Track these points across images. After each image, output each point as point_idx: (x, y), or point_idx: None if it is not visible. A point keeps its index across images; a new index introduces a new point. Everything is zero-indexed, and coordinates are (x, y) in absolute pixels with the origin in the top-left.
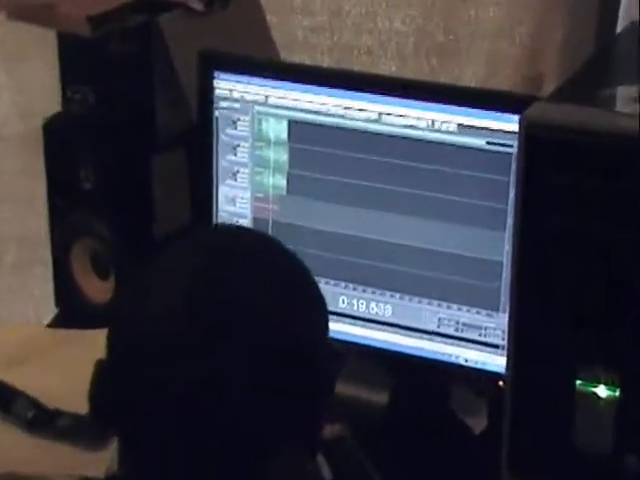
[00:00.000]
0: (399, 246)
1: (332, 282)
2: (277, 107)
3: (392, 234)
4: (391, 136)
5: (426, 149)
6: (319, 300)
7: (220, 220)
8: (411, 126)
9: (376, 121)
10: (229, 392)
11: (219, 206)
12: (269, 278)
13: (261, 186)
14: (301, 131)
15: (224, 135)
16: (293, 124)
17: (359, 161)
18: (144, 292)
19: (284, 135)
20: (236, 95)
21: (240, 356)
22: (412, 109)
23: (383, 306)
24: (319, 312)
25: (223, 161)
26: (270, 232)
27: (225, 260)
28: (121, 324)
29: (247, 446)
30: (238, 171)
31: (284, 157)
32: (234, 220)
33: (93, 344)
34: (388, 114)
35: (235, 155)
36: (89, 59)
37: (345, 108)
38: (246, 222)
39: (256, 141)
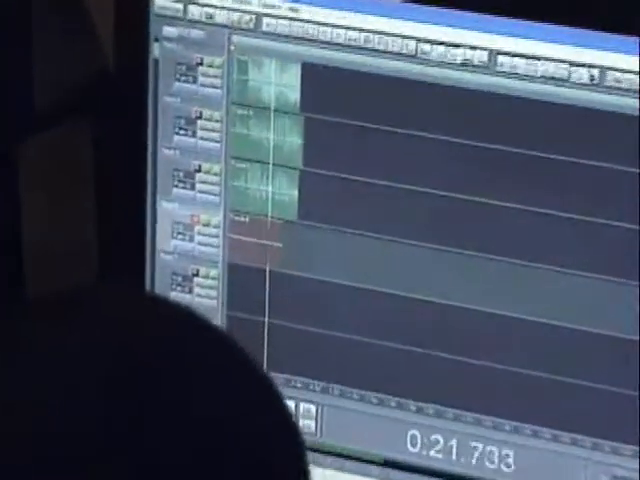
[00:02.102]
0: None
1: (393, 402)
2: (280, 37)
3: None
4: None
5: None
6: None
7: (160, 272)
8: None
9: (483, 67)
10: None
11: (157, 243)
12: (226, 394)
13: (246, 201)
14: (329, 87)
15: (169, 97)
16: (312, 71)
17: (437, 153)
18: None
19: (294, 95)
20: (195, 13)
21: None
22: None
23: (498, 451)
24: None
25: (165, 149)
26: (267, 299)
27: (146, 368)
28: None
29: None
30: (198, 169)
31: (293, 142)
32: (188, 270)
33: None
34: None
35: (191, 136)
36: None
37: (425, 42)
38: (213, 279)
39: (236, 107)
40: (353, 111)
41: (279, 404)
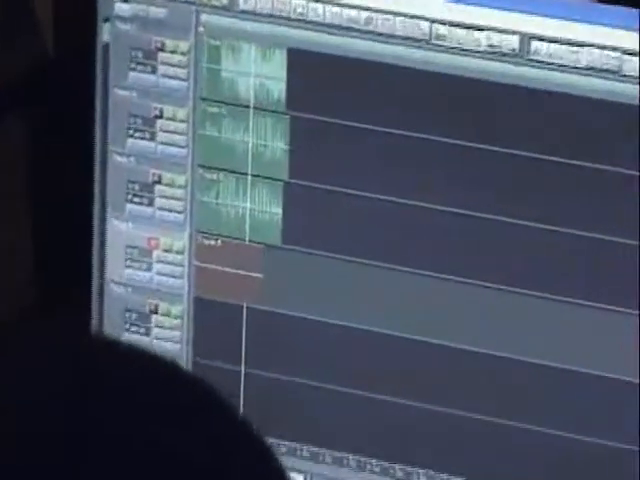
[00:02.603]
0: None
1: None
2: (261, 16)
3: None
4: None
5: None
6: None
7: (110, 308)
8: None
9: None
10: None
11: (106, 272)
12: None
13: (217, 220)
14: (322, 80)
15: (122, 90)
16: (300, 59)
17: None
18: None
19: (278, 89)
20: None
21: None
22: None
23: None
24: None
25: (116, 155)
26: (243, 343)
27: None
28: None
29: None
30: (158, 180)
31: (277, 147)
32: (145, 306)
33: None
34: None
35: (149, 139)
36: None
37: (440, 24)
38: (176, 318)
39: (206, 104)
40: (350, 110)
41: (259, 445)
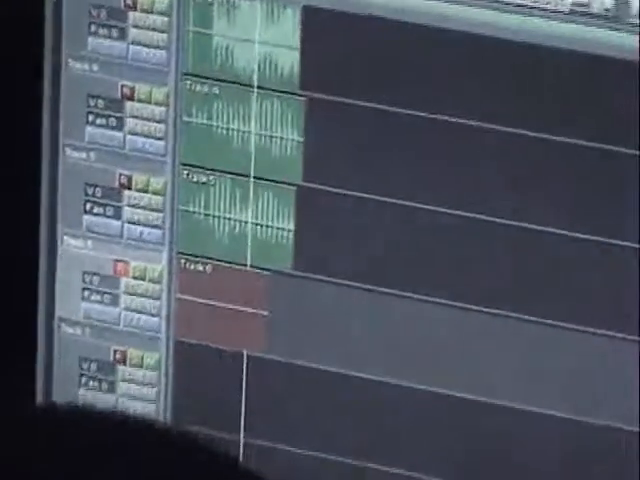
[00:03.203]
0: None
1: None
2: None
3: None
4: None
5: None
6: None
7: (62, 356)
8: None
9: None
10: None
11: (55, 307)
12: None
13: (207, 238)
14: (346, 48)
15: (78, 62)
16: (319, 21)
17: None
18: None
19: (289, 62)
20: None
21: None
22: None
23: None
24: None
25: (70, 149)
26: (243, 405)
27: None
28: None
29: None
30: (127, 183)
31: (288, 140)
32: (108, 353)
33: None
34: None
35: (115, 127)
36: None
37: None
38: (151, 370)
39: (192, 82)
40: (380, 89)
41: None
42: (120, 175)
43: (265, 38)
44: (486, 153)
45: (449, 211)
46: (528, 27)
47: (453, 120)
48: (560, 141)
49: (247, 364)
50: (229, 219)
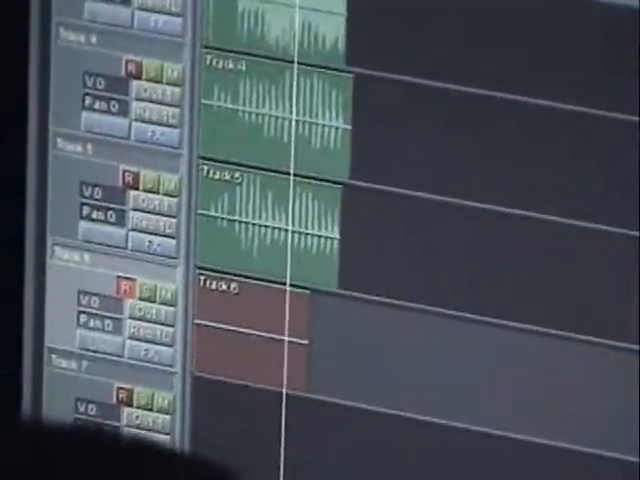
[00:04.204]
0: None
1: None
2: None
3: None
4: None
5: None
6: None
7: (52, 394)
8: None
9: None
10: None
11: (45, 335)
12: None
13: (233, 250)
14: (401, 17)
15: (72, 32)
16: None
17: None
18: None
19: (334, 31)
20: None
21: None
22: None
23: None
24: None
25: (63, 140)
26: (282, 454)
27: None
28: None
29: None
30: (132, 182)
31: (332, 128)
32: (110, 392)
33: None
34: None
35: (117, 113)
36: None
37: None
38: (164, 413)
39: (213, 56)
40: (442, 64)
41: None
42: (124, 172)
43: (304, 1)
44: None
45: (530, 214)
46: None
47: (532, 101)
48: None
49: (286, 405)
50: (260, 226)
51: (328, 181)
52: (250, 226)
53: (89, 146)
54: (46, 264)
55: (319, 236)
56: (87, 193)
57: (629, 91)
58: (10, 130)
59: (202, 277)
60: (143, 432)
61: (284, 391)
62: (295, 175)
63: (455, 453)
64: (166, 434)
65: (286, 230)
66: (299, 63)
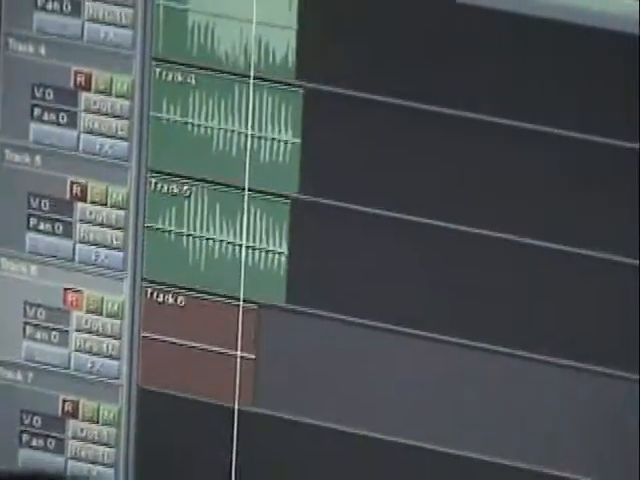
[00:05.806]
0: None
1: None
2: None
3: None
4: None
5: None
6: None
7: (3, 408)
8: None
9: None
10: None
11: None
12: None
13: (181, 264)
14: (354, 27)
15: (21, 43)
16: None
17: None
18: None
19: (285, 44)
20: None
21: None
22: None
23: None
24: None
25: (11, 151)
26: (234, 463)
27: None
28: None
29: None
30: (79, 194)
31: (281, 142)
32: (55, 405)
33: None
34: None
35: (66, 124)
36: None
37: None
38: (109, 425)
39: (163, 69)
40: (394, 79)
41: None
42: (72, 184)
43: (254, 15)
44: (526, 166)
45: (483, 232)
46: None
47: (480, 118)
48: None
49: (236, 419)
50: (208, 239)
51: (277, 195)
52: (198, 240)
53: (37, 157)
54: None
55: (268, 251)
56: (35, 204)
57: (630, 119)
58: None
59: (149, 290)
60: (88, 444)
61: (236, 406)
62: (244, 189)
63: (401, 469)
64: (111, 447)
65: (234, 244)
66: (249, 77)
